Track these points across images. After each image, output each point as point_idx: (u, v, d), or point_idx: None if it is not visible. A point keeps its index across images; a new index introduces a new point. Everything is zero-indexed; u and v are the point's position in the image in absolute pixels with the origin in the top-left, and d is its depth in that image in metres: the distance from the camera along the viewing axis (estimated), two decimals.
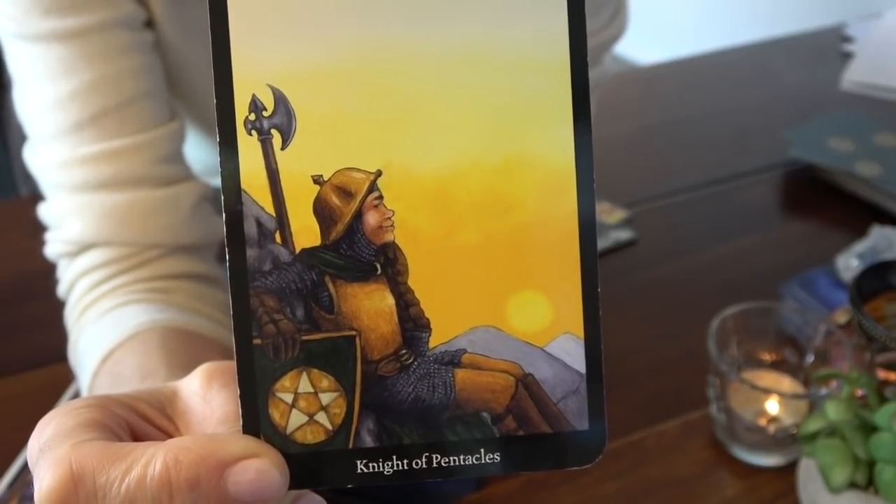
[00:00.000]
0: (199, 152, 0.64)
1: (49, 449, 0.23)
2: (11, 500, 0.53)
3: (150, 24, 0.54)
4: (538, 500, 0.55)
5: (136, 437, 0.25)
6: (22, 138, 0.54)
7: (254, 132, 0.23)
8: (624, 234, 0.77)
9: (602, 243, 0.76)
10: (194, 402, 0.26)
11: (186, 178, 0.54)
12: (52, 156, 0.51)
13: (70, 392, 0.60)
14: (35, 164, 0.53)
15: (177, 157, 0.54)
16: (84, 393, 0.50)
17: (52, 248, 0.53)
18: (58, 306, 0.54)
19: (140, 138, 0.51)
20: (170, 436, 0.26)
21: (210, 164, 0.66)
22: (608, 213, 0.79)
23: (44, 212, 0.54)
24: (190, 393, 0.26)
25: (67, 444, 0.23)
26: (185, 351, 0.47)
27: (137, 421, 0.25)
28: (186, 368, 0.28)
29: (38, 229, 0.55)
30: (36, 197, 0.55)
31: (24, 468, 0.55)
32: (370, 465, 0.24)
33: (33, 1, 0.48)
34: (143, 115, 0.51)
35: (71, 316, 0.53)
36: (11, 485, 0.54)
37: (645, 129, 0.95)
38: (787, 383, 0.59)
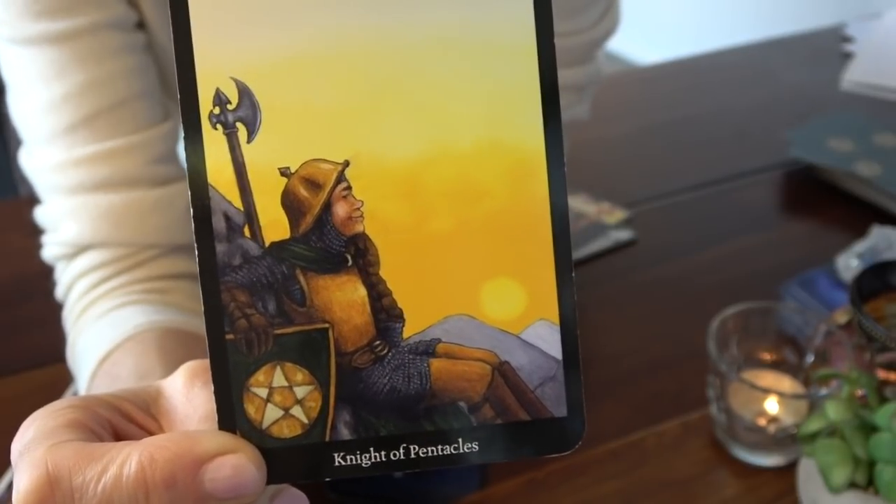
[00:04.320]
0: None
1: (28, 451, 0.23)
2: (11, 500, 0.53)
3: (141, 25, 0.54)
4: (538, 501, 0.54)
5: (120, 437, 0.25)
6: (21, 139, 0.54)
7: (219, 126, 0.23)
8: (624, 234, 0.77)
9: (602, 243, 0.75)
10: (177, 401, 0.26)
11: (181, 178, 0.54)
12: (47, 158, 0.51)
13: (69, 393, 0.60)
14: (30, 168, 0.53)
15: (171, 157, 0.54)
16: (82, 394, 0.50)
17: (50, 250, 0.54)
18: (57, 307, 0.55)
19: (134, 139, 0.51)
20: (153, 435, 0.25)
21: None
22: (608, 213, 0.79)
23: (40, 215, 0.54)
24: (173, 391, 0.26)
25: (44, 446, 0.23)
26: (182, 351, 0.47)
27: (121, 421, 0.25)
28: None
29: (37, 229, 0.55)
30: (35, 198, 0.55)
31: None
32: (347, 457, 0.23)
33: (24, 4, 0.48)
34: (137, 115, 0.51)
35: (69, 318, 0.53)
36: (11, 485, 0.54)
37: (645, 129, 0.95)
38: (787, 383, 0.58)
